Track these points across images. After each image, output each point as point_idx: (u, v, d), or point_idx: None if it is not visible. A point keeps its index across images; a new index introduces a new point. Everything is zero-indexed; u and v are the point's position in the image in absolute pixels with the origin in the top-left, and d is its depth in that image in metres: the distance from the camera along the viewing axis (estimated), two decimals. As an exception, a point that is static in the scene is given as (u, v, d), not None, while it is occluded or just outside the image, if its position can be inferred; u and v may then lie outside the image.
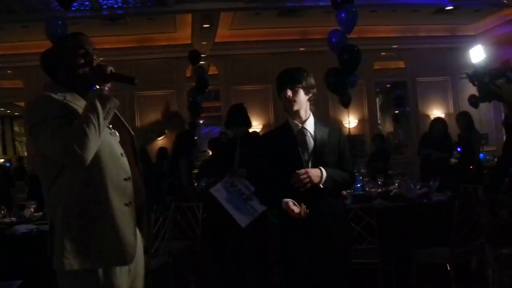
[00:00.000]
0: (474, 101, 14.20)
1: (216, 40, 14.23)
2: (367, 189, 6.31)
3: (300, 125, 3.66)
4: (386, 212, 5.33)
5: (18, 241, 5.10)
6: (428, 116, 15.71)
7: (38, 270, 4.96)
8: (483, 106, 14.48)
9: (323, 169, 3.50)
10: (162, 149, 11.64)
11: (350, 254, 3.82)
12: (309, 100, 3.68)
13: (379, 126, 19.12)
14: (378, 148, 10.51)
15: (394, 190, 6.30)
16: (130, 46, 14.44)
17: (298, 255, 3.59)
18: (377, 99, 20.16)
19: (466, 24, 15.19)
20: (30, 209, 6.14)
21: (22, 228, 5.29)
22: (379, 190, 6.29)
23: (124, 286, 2.64)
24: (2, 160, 16.33)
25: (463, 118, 8.95)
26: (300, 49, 14.86)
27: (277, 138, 3.75)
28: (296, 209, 3.43)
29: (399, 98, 17.38)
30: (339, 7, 7.93)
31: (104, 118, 2.53)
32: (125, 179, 2.67)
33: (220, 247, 6.56)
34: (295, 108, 3.63)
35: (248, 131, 6.15)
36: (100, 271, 2.55)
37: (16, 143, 20.62)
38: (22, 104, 16.15)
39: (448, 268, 4.87)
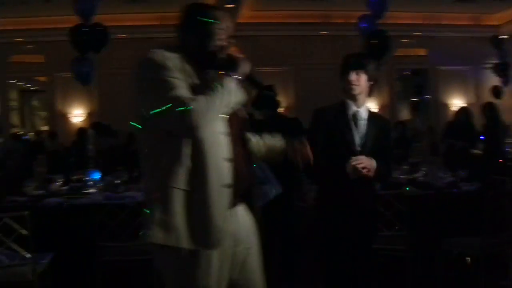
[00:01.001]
0: (497, 92, 14.15)
1: (239, 20, 14.17)
2: (396, 176, 6.27)
3: (356, 108, 3.71)
4: (417, 200, 5.33)
5: (50, 214, 5.15)
6: (447, 105, 15.63)
7: (70, 243, 5.04)
8: (507, 97, 14.39)
9: (374, 160, 3.57)
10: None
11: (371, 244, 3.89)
12: (369, 88, 3.73)
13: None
14: (400, 135, 10.48)
15: (420, 178, 6.28)
16: (152, 23, 14.39)
17: (337, 236, 3.69)
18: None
19: (489, 14, 15.03)
20: (58, 183, 6.17)
21: (53, 200, 5.35)
22: (406, 176, 6.27)
23: (215, 269, 2.56)
24: (22, 133, 16.37)
25: (490, 109, 8.90)
26: (321, 32, 14.75)
27: (331, 115, 3.79)
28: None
29: (419, 86, 17.28)
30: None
31: (230, 107, 2.53)
32: (225, 159, 2.60)
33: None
34: (356, 91, 3.67)
35: (277, 112, 6.11)
36: (185, 250, 2.49)
37: (34, 117, 20.68)
38: (41, 78, 16.17)
39: (476, 260, 4.86)
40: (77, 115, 14.48)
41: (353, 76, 3.64)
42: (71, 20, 8.45)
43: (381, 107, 15.43)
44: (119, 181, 6.04)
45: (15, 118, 18.29)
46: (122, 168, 6.65)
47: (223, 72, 2.59)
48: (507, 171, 8.01)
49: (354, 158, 3.53)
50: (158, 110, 2.42)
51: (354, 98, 3.71)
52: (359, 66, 3.65)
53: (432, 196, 5.53)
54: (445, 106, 15.63)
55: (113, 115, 13.63)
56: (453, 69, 15.79)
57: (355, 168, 3.49)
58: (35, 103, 20.53)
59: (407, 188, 5.57)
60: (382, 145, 3.73)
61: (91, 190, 5.83)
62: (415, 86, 17.77)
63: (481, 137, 9.41)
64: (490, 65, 14.89)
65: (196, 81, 2.56)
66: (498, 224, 4.85)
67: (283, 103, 14.90)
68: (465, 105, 14.43)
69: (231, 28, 2.72)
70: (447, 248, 5.13)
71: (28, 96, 20.59)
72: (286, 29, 14.87)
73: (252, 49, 15.21)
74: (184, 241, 2.47)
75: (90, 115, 14.54)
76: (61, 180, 6.22)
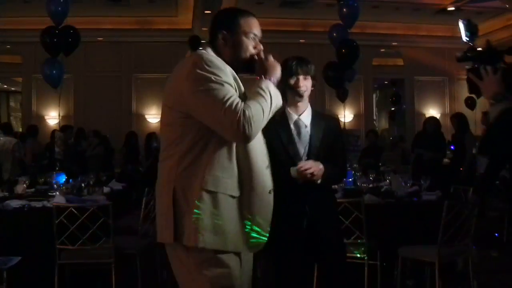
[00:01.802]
0: (470, 103, 14.31)
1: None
2: (358, 183, 6.35)
3: (296, 115, 3.61)
4: (376, 208, 5.37)
5: (10, 216, 5.14)
6: (423, 115, 15.76)
7: (30, 246, 5.03)
8: (479, 108, 14.55)
9: (321, 164, 3.45)
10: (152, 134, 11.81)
11: (342, 247, 3.80)
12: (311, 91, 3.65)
13: (375, 122, 19.16)
14: (371, 144, 10.57)
15: (385, 187, 6.34)
16: (131, 28, 14.43)
17: (289, 248, 3.55)
18: (374, 95, 20.18)
19: (467, 26, 15.16)
20: (23, 185, 6.17)
21: (14, 203, 5.31)
22: (370, 185, 6.34)
23: (237, 271, 2.62)
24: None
25: (458, 119, 9.00)
26: (300, 40, 14.84)
27: (274, 127, 3.55)
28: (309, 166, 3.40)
29: (396, 96, 17.44)
30: (341, 1, 7.95)
31: (272, 111, 2.58)
32: (266, 167, 2.70)
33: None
34: (305, 96, 3.58)
35: None
36: (228, 254, 2.55)
37: (11, 118, 20.56)
38: (19, 79, 16.12)
39: (435, 267, 4.91)
40: (53, 117, 14.37)
41: (302, 81, 3.54)
42: (50, 21, 8.48)
43: (358, 116, 15.56)
44: (83, 185, 6.07)
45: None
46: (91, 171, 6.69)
47: (265, 78, 2.66)
48: (472, 181, 8.12)
49: (299, 163, 3.43)
50: (215, 115, 2.45)
51: (294, 104, 3.61)
52: (307, 71, 3.56)
53: (391, 205, 5.58)
54: (422, 116, 15.75)
55: (89, 118, 13.67)
56: (430, 80, 15.96)
57: (299, 173, 3.39)
58: (12, 103, 20.44)
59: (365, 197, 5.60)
60: (331, 146, 3.61)
61: (56, 193, 5.82)
62: (392, 95, 17.93)
63: (451, 147, 9.53)
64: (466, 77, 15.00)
65: (241, 86, 2.62)
66: (454, 234, 4.90)
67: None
68: (436, 115, 14.67)
69: (260, 32, 2.77)
70: (404, 255, 5.18)
71: (5, 96, 20.50)
72: (264, 36, 14.75)
73: (230, 55, 15.29)
74: (231, 245, 2.55)
75: (65, 118, 14.50)
76: (26, 182, 6.22)
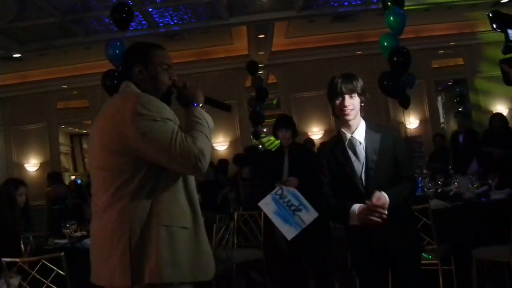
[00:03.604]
0: (538, 95, 13.91)
1: (273, 49, 14.37)
2: (425, 189, 6.31)
3: (350, 134, 3.59)
4: (444, 212, 5.35)
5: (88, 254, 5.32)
6: (491, 112, 15.40)
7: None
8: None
9: (387, 196, 3.32)
10: (222, 161, 11.97)
11: (418, 262, 3.72)
12: (361, 106, 3.59)
13: (443, 125, 18.81)
14: (438, 148, 10.44)
15: (454, 190, 6.29)
16: (189, 60, 14.73)
17: (365, 262, 3.60)
18: (440, 98, 19.83)
19: (527, 14, 14.81)
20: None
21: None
22: (439, 190, 6.30)
23: None
24: (74, 177, 16.90)
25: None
26: (357, 52, 14.82)
27: (330, 151, 3.65)
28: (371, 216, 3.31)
29: (460, 96, 17.12)
30: (386, 10, 7.95)
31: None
32: (196, 193, 2.77)
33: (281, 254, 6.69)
34: (352, 116, 3.54)
35: (294, 141, 6.13)
36: (187, 285, 2.62)
37: (85, 160, 21.26)
38: (89, 122, 16.72)
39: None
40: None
41: (347, 101, 3.50)
42: (109, 64, 8.84)
43: (423, 121, 15.35)
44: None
45: (67, 163, 18.88)
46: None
47: (192, 105, 2.72)
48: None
49: (358, 207, 3.36)
50: (168, 155, 2.49)
51: (346, 123, 3.57)
52: (352, 90, 3.51)
53: (458, 208, 5.53)
54: (489, 113, 15.37)
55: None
56: (493, 75, 15.55)
57: (368, 218, 3.31)
58: (85, 146, 21.14)
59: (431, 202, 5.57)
60: (392, 157, 3.52)
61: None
62: (457, 96, 17.61)
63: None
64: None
65: (176, 117, 2.65)
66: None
67: (323, 127, 15.00)
68: (504, 110, 14.33)
69: (171, 63, 2.81)
70: (478, 258, 5.13)
71: (78, 139, 21.25)
72: (320, 52, 14.96)
73: (289, 75, 15.42)
74: (188, 276, 2.60)
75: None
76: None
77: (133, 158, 2.55)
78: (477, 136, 9.82)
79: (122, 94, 2.70)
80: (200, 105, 2.75)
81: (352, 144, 3.58)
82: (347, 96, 3.52)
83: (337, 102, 3.55)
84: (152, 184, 2.57)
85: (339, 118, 3.61)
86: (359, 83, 3.57)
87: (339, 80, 3.55)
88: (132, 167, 2.55)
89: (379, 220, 3.29)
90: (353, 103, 3.53)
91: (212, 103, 2.88)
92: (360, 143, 3.56)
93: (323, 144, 3.87)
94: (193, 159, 2.49)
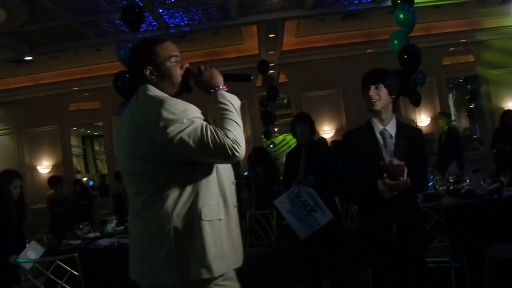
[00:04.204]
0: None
1: (283, 48, 14.40)
2: (437, 187, 6.29)
3: (382, 126, 3.71)
4: (455, 210, 5.33)
5: (101, 255, 5.39)
6: (502, 109, 15.33)
7: (120, 283, 5.26)
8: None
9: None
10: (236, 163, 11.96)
11: (424, 255, 3.83)
12: (393, 101, 3.73)
13: (455, 122, 18.75)
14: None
15: (466, 187, 6.27)
16: (200, 60, 14.73)
17: (381, 253, 3.68)
18: (451, 95, 19.78)
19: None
20: (112, 224, 6.46)
21: (105, 241, 5.60)
22: (450, 187, 6.29)
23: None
24: (86, 178, 17.01)
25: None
26: (368, 51, 14.79)
27: (359, 138, 3.79)
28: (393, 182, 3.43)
29: (472, 93, 17.07)
30: (396, 8, 7.94)
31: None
32: (233, 182, 2.82)
33: (296, 251, 6.71)
34: (378, 107, 3.67)
35: (312, 139, 6.16)
36: (230, 272, 2.70)
37: (97, 161, 21.39)
38: (100, 123, 16.79)
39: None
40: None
41: (372, 91, 3.64)
42: (120, 65, 8.88)
43: (435, 118, 15.29)
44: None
45: (78, 164, 18.99)
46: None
47: (214, 90, 2.73)
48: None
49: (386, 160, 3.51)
50: (204, 153, 2.53)
51: (378, 114, 3.70)
52: (376, 80, 3.64)
53: (470, 205, 5.52)
54: (501, 110, 15.32)
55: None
56: (504, 72, 15.49)
57: (391, 165, 3.43)
58: (96, 147, 21.26)
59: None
60: (415, 157, 3.62)
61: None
62: (468, 93, 17.55)
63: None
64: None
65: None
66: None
67: (334, 125, 15.00)
68: (509, 108, 14.26)
69: (179, 52, 2.80)
70: (490, 255, 5.11)
71: (89, 141, 21.35)
72: (331, 51, 14.98)
73: (300, 74, 15.41)
74: (232, 264, 2.71)
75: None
76: (115, 221, 6.51)
77: (166, 161, 2.60)
78: (458, 137, 9.91)
79: (144, 99, 2.69)
80: (221, 87, 2.75)
81: (384, 136, 3.70)
82: (372, 87, 3.66)
83: (365, 93, 3.70)
84: (187, 182, 2.62)
85: (371, 111, 3.74)
86: (387, 76, 3.70)
87: (367, 73, 3.74)
88: (166, 170, 2.60)
89: (402, 179, 3.39)
90: (378, 93, 3.66)
91: (232, 78, 2.87)
92: (391, 136, 3.70)
93: (350, 132, 3.99)
94: (229, 151, 2.53)
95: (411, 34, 8.32)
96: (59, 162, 15.41)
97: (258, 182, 9.59)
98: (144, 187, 2.66)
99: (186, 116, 2.54)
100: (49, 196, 11.95)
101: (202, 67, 2.77)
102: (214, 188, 2.67)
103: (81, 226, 5.88)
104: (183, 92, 2.79)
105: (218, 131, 2.54)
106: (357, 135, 3.84)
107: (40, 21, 10.71)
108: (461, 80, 19.00)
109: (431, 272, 5.16)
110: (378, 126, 3.72)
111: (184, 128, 2.51)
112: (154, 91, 2.69)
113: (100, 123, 16.81)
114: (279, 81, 16.89)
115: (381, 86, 3.65)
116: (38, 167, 15.44)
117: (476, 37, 15.12)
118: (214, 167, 2.69)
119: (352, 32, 14.35)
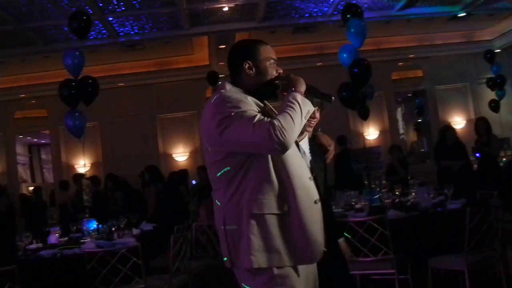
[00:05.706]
0: (494, 106, 14.20)
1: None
2: (383, 200, 6.36)
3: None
4: (400, 222, 5.39)
5: (43, 266, 5.25)
6: (449, 123, 15.64)
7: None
8: (503, 110, 14.44)
9: None
10: (182, 171, 11.92)
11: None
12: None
13: (403, 136, 19.04)
14: (397, 160, 10.48)
15: (411, 200, 6.35)
16: (150, 70, 14.67)
17: None
18: (400, 109, 20.09)
19: (481, 29, 15.16)
20: (55, 235, 6.32)
21: (47, 253, 5.46)
22: (396, 200, 6.35)
23: (303, 284, 2.77)
24: (32, 187, 16.56)
25: (481, 124, 8.98)
26: (317, 64, 14.90)
27: None
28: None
29: (419, 107, 17.38)
30: (347, 22, 8.03)
31: (304, 118, 2.73)
32: (309, 178, 2.83)
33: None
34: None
35: None
36: (287, 269, 2.70)
37: (44, 170, 20.93)
38: (47, 132, 16.46)
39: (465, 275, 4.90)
40: (83, 165, 14.52)
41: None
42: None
43: (383, 132, 15.50)
44: (113, 229, 6.20)
45: (24, 173, 18.56)
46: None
47: (290, 91, 2.80)
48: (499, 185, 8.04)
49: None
50: (248, 140, 2.62)
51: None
52: None
53: (414, 218, 5.58)
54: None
55: (118, 163, 13.88)
56: (451, 87, 15.84)
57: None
58: (43, 156, 20.82)
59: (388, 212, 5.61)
60: None
61: (87, 240, 5.96)
62: (416, 107, 17.87)
63: (477, 155, 9.47)
64: (486, 80, 14.90)
65: (267, 111, 2.81)
66: (481, 239, 4.89)
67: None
68: (461, 122, 14.60)
69: (275, 54, 2.95)
70: (433, 266, 5.19)
71: (36, 150, 20.90)
72: (281, 63, 14.63)
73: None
74: (287, 260, 2.70)
75: (95, 165, 14.76)
76: (58, 232, 6.38)
77: (224, 153, 2.75)
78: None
79: (214, 95, 2.85)
80: (299, 90, 2.83)
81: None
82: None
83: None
84: (241, 175, 2.73)
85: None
86: None
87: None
88: (223, 161, 2.75)
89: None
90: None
91: (313, 93, 2.93)
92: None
93: None
94: (268, 138, 2.57)
95: (361, 48, 8.43)
96: (3, 170, 14.97)
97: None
98: (210, 178, 2.88)
99: (237, 109, 2.66)
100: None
101: (292, 75, 2.91)
102: (268, 183, 2.71)
103: (23, 238, 5.74)
104: (267, 96, 2.94)
105: (265, 119, 2.63)
106: None
107: (-16, 26, 10.44)
108: (409, 95, 19.32)
109: (376, 285, 5.21)
110: None
111: (232, 121, 2.64)
112: (227, 86, 2.86)
113: (47, 131, 16.45)
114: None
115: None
116: (-20, 176, 14.97)
117: (424, 53, 15.41)
118: (270, 163, 2.73)
119: (303, 45, 14.46)
